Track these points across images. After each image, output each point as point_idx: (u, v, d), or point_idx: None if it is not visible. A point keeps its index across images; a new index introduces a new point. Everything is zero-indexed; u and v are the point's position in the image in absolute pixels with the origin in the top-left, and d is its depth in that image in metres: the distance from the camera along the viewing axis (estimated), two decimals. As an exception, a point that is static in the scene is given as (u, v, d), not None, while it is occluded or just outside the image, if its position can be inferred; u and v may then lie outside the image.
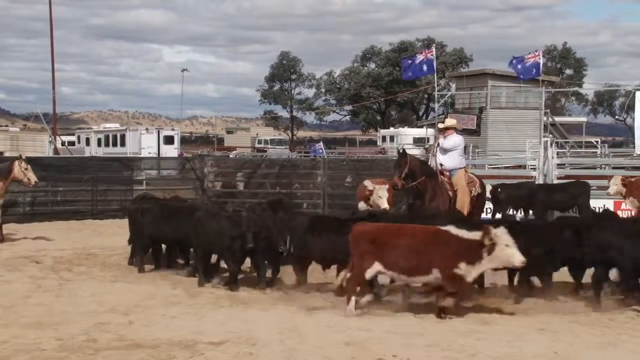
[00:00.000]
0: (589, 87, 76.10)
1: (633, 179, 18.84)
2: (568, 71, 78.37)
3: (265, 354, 8.12)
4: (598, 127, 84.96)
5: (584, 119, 63.33)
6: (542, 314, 9.92)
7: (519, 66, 25.78)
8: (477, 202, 14.70)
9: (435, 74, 27.67)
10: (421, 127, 53.68)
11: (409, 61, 26.00)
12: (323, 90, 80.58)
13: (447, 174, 14.25)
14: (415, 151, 38.31)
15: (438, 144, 14.68)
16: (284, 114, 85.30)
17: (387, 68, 73.64)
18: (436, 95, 30.22)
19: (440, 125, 14.89)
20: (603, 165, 25.23)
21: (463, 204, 14.03)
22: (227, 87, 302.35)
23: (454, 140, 14.49)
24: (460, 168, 14.45)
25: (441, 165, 14.27)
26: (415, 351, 8.19)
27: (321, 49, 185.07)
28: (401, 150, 14.07)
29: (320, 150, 33.31)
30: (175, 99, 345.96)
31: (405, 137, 49.24)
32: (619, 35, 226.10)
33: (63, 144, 46.23)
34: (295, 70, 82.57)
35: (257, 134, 74.65)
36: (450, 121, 15.01)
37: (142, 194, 17.44)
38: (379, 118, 78.89)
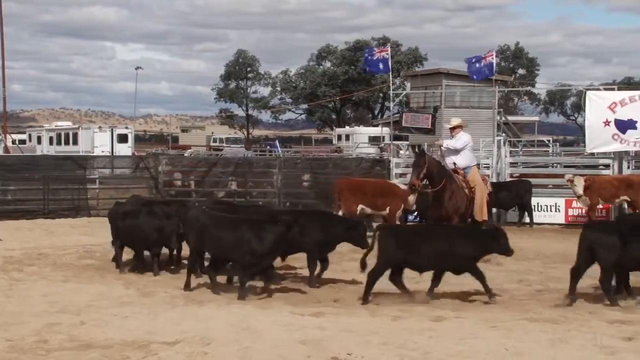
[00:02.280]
0: (541, 87, 77.21)
1: (593, 180, 19.20)
2: (521, 71, 79.29)
3: (220, 353, 8.08)
4: (550, 126, 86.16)
5: (536, 118, 64.19)
6: (495, 311, 10.04)
7: (476, 66, 26.01)
8: (489, 199, 15.14)
9: (390, 73, 27.74)
10: (376, 125, 53.86)
11: (369, 56, 26.08)
12: (279, 88, 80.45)
13: (462, 172, 14.39)
14: (370, 150, 38.54)
15: (441, 144, 14.74)
16: (239, 112, 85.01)
17: (343, 67, 73.79)
18: (391, 94, 30.30)
19: (448, 125, 14.93)
20: (555, 164, 25.58)
21: (482, 201, 14.23)
22: (182, 86, 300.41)
23: (464, 138, 14.73)
24: (473, 165, 14.67)
25: (454, 164, 14.38)
26: (370, 349, 8.22)
27: (276, 47, 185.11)
28: (418, 151, 14.30)
29: (276, 149, 33.27)
30: (129, 97, 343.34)
31: (361, 135, 49.38)
32: (570, 35, 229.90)
33: (14, 142, 45.46)
34: (251, 69, 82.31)
35: (212, 133, 74.25)
36: (456, 120, 15.13)
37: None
38: (334, 117, 78.96)
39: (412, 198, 16.27)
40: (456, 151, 14.41)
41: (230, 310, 10.12)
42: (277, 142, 36.61)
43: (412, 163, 14.28)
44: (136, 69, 73.97)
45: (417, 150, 14.35)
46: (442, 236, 11.19)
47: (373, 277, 10.88)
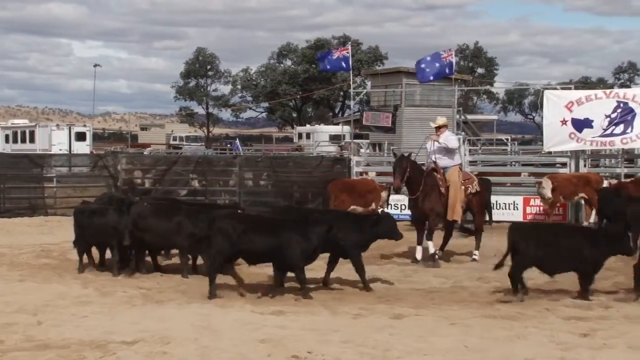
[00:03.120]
0: (499, 86, 78.07)
1: (558, 179, 19.45)
2: (480, 70, 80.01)
3: (179, 352, 8.03)
4: (508, 125, 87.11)
5: (494, 117, 64.90)
6: (454, 309, 10.11)
7: (421, 66, 26.16)
8: (476, 200, 15.12)
9: (351, 72, 27.81)
10: (337, 124, 53.99)
11: (326, 53, 26.05)
12: (239, 87, 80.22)
13: (442, 171, 14.46)
14: (330, 148, 38.60)
15: (434, 142, 14.67)
16: (199, 110, 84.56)
17: (304, 65, 73.82)
18: (352, 93, 30.40)
19: (433, 124, 14.90)
20: (513, 162, 25.85)
21: (455, 200, 14.28)
22: (140, 83, 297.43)
23: (453, 138, 14.78)
24: (454, 165, 14.71)
25: (434, 162, 14.42)
26: (331, 347, 8.23)
27: (237, 45, 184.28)
28: (399, 154, 14.55)
29: (237, 147, 33.17)
30: (87, 94, 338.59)
31: (322, 134, 49.50)
32: (528, 34, 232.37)
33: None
34: (211, 67, 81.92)
35: (172, 131, 73.77)
36: (442, 119, 15.12)
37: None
38: (295, 115, 78.99)
39: (384, 195, 17.98)
40: (446, 150, 14.39)
41: (190, 309, 10.07)
42: (237, 140, 36.47)
43: (394, 165, 14.43)
44: (94, 66, 73.38)
45: (395, 152, 14.44)
46: (577, 237, 11.11)
47: (516, 276, 10.79)
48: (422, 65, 25.10)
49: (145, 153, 36.49)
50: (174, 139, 66.95)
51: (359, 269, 11.71)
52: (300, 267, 10.92)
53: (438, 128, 14.85)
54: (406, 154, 14.77)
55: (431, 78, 24.92)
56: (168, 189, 22.56)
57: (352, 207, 18.12)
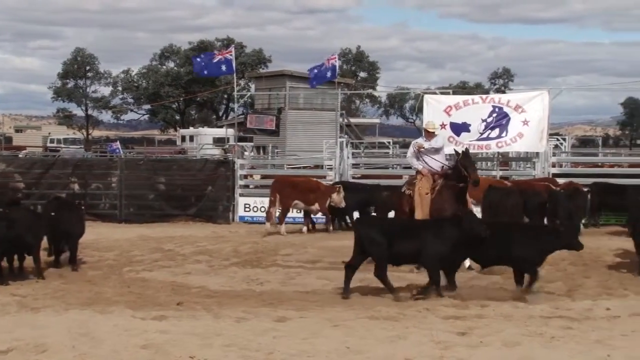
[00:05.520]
0: (381, 90, 79.39)
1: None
2: (362, 74, 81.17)
3: (56, 361, 7.79)
4: (390, 129, 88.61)
5: (377, 120, 65.88)
6: (337, 311, 10.20)
7: (315, 72, 26.40)
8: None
9: (235, 74, 27.66)
10: (221, 127, 53.64)
11: (202, 58, 25.79)
12: (120, 88, 78.54)
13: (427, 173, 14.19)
14: (214, 151, 38.32)
15: (423, 147, 14.26)
16: (78, 112, 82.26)
17: (187, 67, 72.88)
18: (235, 96, 30.17)
19: (429, 128, 14.53)
20: (395, 165, 26.33)
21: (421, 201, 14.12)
22: (14, 84, 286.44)
23: (441, 139, 14.61)
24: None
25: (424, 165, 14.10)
26: (213, 352, 8.17)
27: (117, 46, 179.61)
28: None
29: (117, 150, 32.44)
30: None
31: (205, 137, 49.04)
32: (407, 40, 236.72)
33: None
34: (90, 68, 79.89)
35: (49, 133, 71.54)
36: (433, 125, 14.89)
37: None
38: (178, 117, 78.01)
39: (336, 196, 19.31)
40: (435, 151, 14.17)
41: (67, 316, 9.78)
42: (118, 143, 35.69)
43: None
44: (-34, 65, 70.31)
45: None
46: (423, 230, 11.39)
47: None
48: (316, 71, 25.40)
49: (20, 156, 35.12)
50: (52, 141, 64.91)
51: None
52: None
53: (429, 132, 14.51)
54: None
55: (329, 74, 25.17)
56: (45, 192, 21.82)
57: (295, 202, 19.61)
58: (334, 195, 19.52)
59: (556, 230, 11.59)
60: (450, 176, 13.53)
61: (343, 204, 19.61)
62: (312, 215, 20.25)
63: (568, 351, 8.23)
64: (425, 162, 13.91)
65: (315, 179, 21.19)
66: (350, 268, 11.36)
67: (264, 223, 19.84)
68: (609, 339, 8.64)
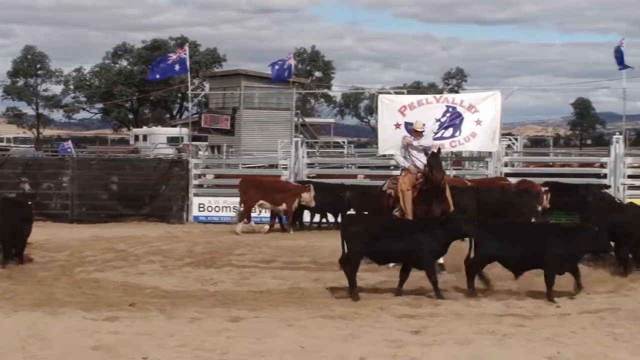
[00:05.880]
0: (336, 90, 79.42)
1: None
2: (317, 73, 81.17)
3: (5, 363, 7.67)
4: (345, 128, 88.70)
5: (332, 120, 66.06)
6: (291, 310, 10.19)
7: (275, 68, 26.48)
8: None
9: (189, 73, 27.46)
10: (175, 126, 53.28)
11: (159, 62, 25.65)
12: (72, 87, 77.47)
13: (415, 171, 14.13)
14: (168, 151, 38.01)
15: (413, 145, 14.12)
16: (29, 111, 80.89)
17: (140, 66, 72.27)
18: (190, 95, 30.02)
19: (418, 128, 14.45)
20: (350, 165, 26.40)
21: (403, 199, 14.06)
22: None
23: (431, 142, 14.56)
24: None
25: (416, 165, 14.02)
26: (167, 352, 8.11)
27: (68, 44, 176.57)
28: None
29: (69, 149, 32.00)
30: None
31: (159, 136, 48.58)
32: (361, 40, 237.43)
33: None
34: (41, 66, 78.66)
35: (-2, 132, 70.27)
36: (420, 124, 14.82)
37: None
38: (131, 117, 77.23)
39: (306, 195, 19.31)
40: (423, 150, 14.12)
41: (17, 317, 9.63)
42: (70, 142, 35.22)
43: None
44: None
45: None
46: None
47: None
48: (277, 67, 25.45)
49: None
50: (1, 140, 63.80)
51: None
52: None
53: (418, 132, 14.49)
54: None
55: (286, 73, 25.27)
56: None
57: (260, 201, 19.57)
58: (305, 195, 19.50)
59: (590, 230, 11.56)
60: (425, 176, 13.66)
61: (313, 204, 19.63)
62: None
63: (519, 348, 8.33)
64: (413, 161, 13.98)
65: (284, 179, 21.26)
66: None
67: (219, 223, 19.80)
68: (559, 336, 8.76)
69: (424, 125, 14.85)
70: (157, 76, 25.43)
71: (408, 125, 21.11)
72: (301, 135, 28.66)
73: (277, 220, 20.14)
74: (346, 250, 11.31)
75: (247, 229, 19.43)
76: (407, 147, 14.13)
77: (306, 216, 20.79)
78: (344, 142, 43.06)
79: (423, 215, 13.14)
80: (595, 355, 8.01)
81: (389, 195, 14.29)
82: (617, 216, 13.72)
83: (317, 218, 20.84)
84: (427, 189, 13.51)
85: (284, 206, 19.68)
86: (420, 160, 13.96)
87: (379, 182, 21.58)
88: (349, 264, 11.21)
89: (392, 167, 22.78)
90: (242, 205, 19.72)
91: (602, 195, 18.53)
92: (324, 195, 19.99)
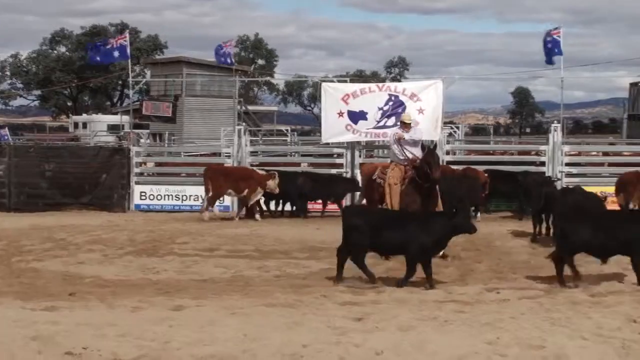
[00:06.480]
0: (279, 78, 79.24)
1: None
2: (260, 61, 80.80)
3: (-60, 356, 7.49)
4: (288, 116, 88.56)
5: (275, 108, 66.01)
6: (234, 299, 10.16)
7: (220, 52, 26.36)
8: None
9: (130, 60, 27.10)
10: (116, 113, 52.57)
11: (99, 45, 25.30)
12: (8, 73, 75.85)
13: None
14: (109, 138, 37.53)
15: (403, 137, 13.97)
16: (-37, 98, 79.04)
17: (79, 52, 71.03)
18: (131, 82, 29.67)
19: (405, 120, 14.28)
20: (293, 153, 26.40)
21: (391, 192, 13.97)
22: None
23: (420, 134, 14.45)
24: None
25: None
26: (107, 342, 8.00)
27: (4, 29, 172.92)
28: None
29: (6, 137, 31.36)
30: None
31: (100, 123, 47.97)
32: (305, 28, 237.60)
33: None
34: (-23, 51, 76.96)
35: None
36: (408, 116, 14.75)
37: None
38: (70, 104, 75.93)
39: (271, 183, 19.57)
40: (414, 143, 13.96)
41: (-49, 309, 9.41)
42: (6, 129, 34.51)
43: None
44: None
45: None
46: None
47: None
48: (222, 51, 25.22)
49: None
50: None
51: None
52: None
53: (406, 125, 14.40)
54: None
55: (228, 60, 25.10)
56: None
57: (228, 190, 19.87)
58: (270, 182, 19.66)
59: None
60: (417, 172, 13.60)
61: (277, 191, 19.82)
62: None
63: (460, 334, 8.43)
64: (405, 154, 13.91)
65: (250, 167, 21.28)
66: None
67: (160, 211, 19.66)
68: (498, 322, 8.89)
69: (410, 116, 14.97)
70: (98, 58, 25.09)
71: (351, 114, 21.29)
72: (244, 123, 28.60)
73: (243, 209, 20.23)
74: (347, 242, 11.20)
75: (213, 216, 19.47)
76: (398, 141, 14.05)
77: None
78: (287, 130, 43.05)
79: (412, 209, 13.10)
80: (533, 339, 8.14)
81: (379, 184, 14.35)
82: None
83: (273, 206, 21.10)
84: (422, 185, 13.47)
85: (245, 192, 19.81)
86: (415, 153, 13.88)
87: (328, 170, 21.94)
88: (354, 257, 11.11)
89: (335, 156, 22.86)
90: (209, 192, 19.70)
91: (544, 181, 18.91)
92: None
